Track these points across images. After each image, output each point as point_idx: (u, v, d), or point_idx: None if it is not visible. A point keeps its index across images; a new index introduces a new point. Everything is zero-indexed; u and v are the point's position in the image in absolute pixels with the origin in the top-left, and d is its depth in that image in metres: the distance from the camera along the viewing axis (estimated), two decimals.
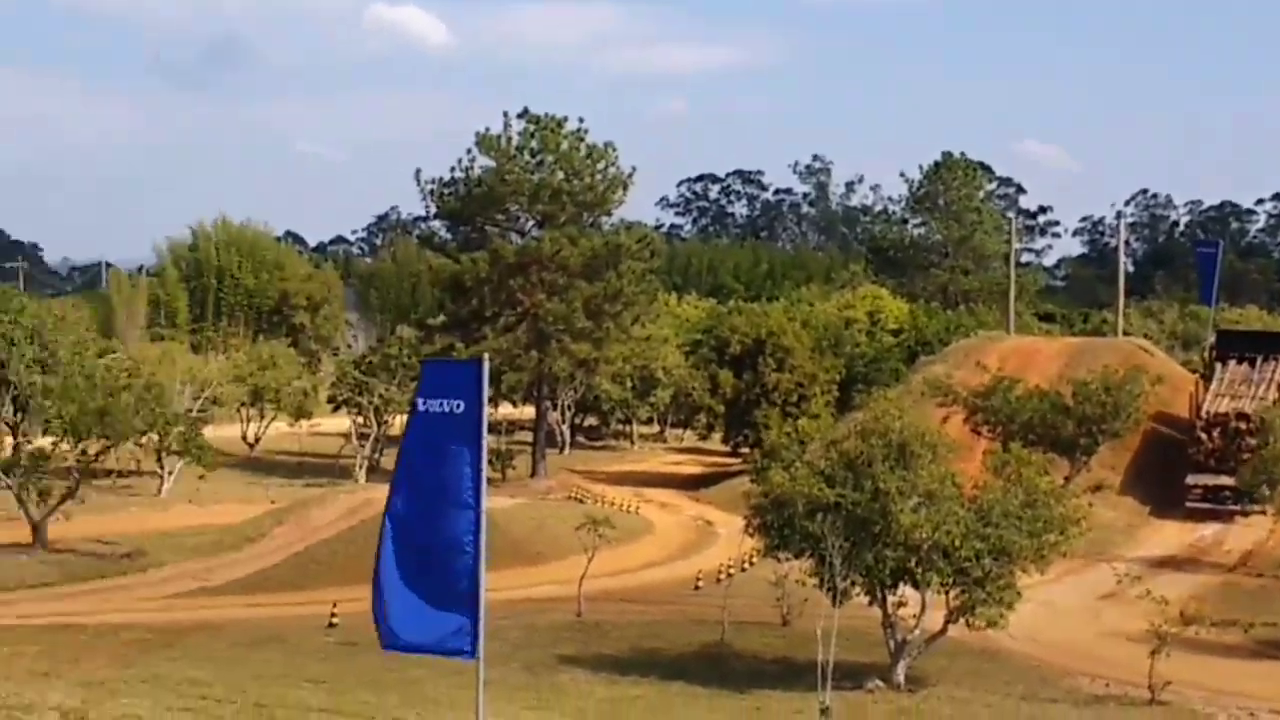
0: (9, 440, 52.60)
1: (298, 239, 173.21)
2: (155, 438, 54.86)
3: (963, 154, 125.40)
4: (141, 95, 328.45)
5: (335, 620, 35.81)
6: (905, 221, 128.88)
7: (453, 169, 70.16)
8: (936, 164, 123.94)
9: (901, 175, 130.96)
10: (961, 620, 29.10)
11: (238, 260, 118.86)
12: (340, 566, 44.69)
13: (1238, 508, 52.62)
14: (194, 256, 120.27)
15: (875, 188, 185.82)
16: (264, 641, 34.19)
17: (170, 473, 61.50)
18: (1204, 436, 55.22)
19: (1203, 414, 56.07)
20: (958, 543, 28.18)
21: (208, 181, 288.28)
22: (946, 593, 29.14)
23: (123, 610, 38.61)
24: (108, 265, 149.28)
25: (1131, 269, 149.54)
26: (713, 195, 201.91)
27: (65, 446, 48.89)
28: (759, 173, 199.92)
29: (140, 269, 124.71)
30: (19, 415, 56.56)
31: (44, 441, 50.28)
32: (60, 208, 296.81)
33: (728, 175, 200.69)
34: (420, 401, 17.41)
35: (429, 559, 16.98)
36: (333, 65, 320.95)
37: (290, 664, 31.15)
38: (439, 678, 26.39)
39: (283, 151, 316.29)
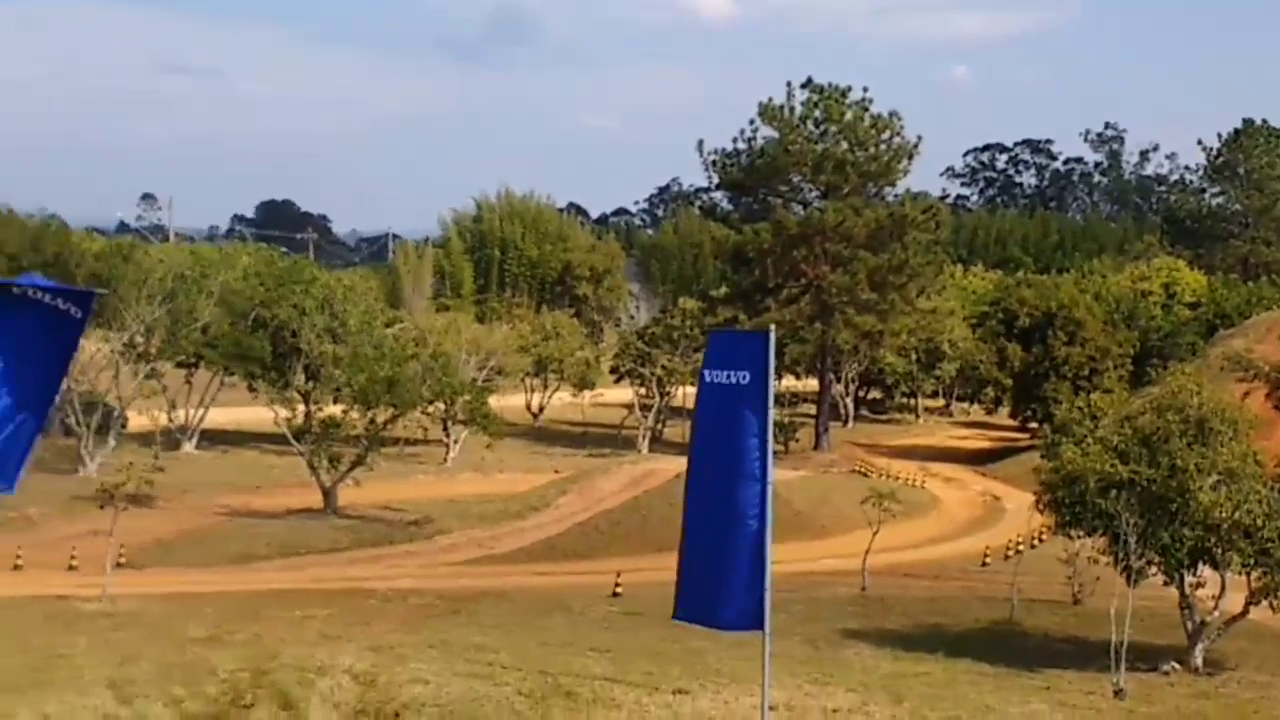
0: (301, 408, 53.85)
1: (580, 211, 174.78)
2: (442, 406, 55.69)
3: (1264, 121, 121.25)
4: (427, 70, 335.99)
5: (619, 590, 35.83)
6: (1203, 191, 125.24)
7: (735, 140, 69.99)
8: (1236, 131, 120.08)
9: (1199, 143, 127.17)
10: (1264, 602, 27.92)
11: (521, 232, 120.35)
12: (624, 536, 44.86)
13: None
14: (478, 228, 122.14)
15: (1171, 156, 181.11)
16: (549, 609, 34.36)
17: (456, 441, 62.40)
18: None
19: None
20: (1260, 523, 27.01)
21: (491, 154, 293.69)
22: (1247, 574, 27.98)
23: (411, 576, 39.16)
24: (394, 237, 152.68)
25: None
26: (1000, 165, 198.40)
27: (355, 414, 49.83)
28: (1048, 141, 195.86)
29: (426, 240, 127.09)
30: (310, 383, 57.89)
31: (334, 409, 51.37)
32: (349, 181, 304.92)
33: (1015, 144, 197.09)
34: (707, 373, 17.10)
35: (717, 531, 16.65)
36: (614, 37, 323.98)
37: (575, 632, 31.21)
38: (721, 649, 26.13)
39: (565, 124, 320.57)
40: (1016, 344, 75.78)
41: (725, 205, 75.20)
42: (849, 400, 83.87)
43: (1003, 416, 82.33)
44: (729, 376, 16.88)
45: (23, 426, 16.24)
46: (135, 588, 35.57)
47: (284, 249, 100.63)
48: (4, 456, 16.25)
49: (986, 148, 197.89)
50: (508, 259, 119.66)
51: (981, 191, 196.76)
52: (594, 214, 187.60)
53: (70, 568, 38.77)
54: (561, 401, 79.03)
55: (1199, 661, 28.17)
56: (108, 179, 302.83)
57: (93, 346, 54.26)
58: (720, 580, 16.76)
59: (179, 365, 61.20)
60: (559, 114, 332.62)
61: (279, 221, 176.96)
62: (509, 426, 60.88)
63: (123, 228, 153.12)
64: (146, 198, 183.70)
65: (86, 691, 23.86)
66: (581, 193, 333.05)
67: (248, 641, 28.82)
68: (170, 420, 61.71)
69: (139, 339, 57.60)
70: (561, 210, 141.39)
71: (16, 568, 37.23)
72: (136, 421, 59.37)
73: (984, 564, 41.40)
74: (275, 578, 38.72)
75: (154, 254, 70.79)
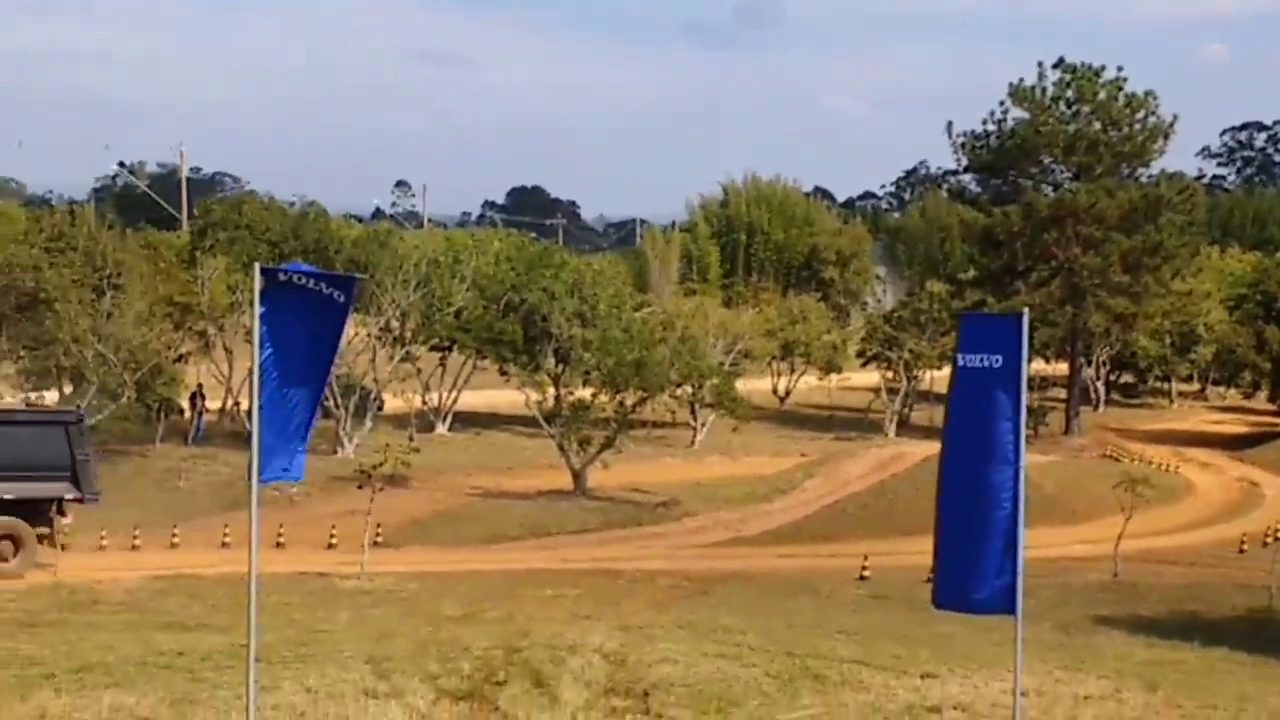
0: (551, 391, 54.57)
1: (826, 194, 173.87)
2: (689, 390, 55.99)
3: None
4: (674, 55, 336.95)
5: (866, 572, 35.74)
6: None
7: (984, 121, 69.14)
8: None
9: None
10: None
11: (767, 216, 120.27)
12: (870, 520, 44.69)
13: None
14: (725, 213, 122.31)
15: None
16: (796, 591, 34.42)
17: (703, 424, 62.69)
18: None
19: None
20: None
21: (737, 138, 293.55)
22: None
23: (659, 557, 39.50)
24: (641, 222, 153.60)
25: None
26: (1258, 144, 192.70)
27: (604, 397, 50.35)
28: None
29: (672, 225, 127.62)
30: (560, 366, 58.61)
31: (584, 392, 51.95)
32: (597, 167, 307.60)
33: (1275, 123, 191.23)
34: (960, 357, 17.00)
35: (970, 515, 16.55)
36: (859, 19, 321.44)
37: (821, 614, 31.22)
38: (970, 634, 25.94)
39: (810, 107, 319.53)
40: (1276, 327, 73.68)
41: (974, 188, 74.37)
42: (1100, 384, 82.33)
43: (1261, 401, 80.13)
44: (982, 360, 16.76)
45: (297, 410, 16.78)
46: (392, 566, 36.48)
47: (534, 234, 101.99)
48: (283, 440, 16.80)
49: (1244, 126, 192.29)
50: (754, 243, 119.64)
51: (1239, 171, 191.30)
52: (840, 197, 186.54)
53: (330, 545, 39.87)
54: (808, 385, 78.89)
55: None
56: (363, 167, 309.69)
57: (350, 331, 55.63)
58: (973, 564, 16.66)
59: (433, 349, 62.42)
60: (805, 98, 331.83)
61: (529, 207, 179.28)
62: (755, 410, 60.99)
63: (378, 214, 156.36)
64: (401, 185, 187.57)
65: (346, 666, 24.54)
66: (828, 176, 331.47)
67: (500, 620, 29.37)
68: (424, 403, 62.99)
69: (394, 323, 58.89)
70: (808, 194, 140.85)
71: (279, 545, 38.41)
72: (392, 404, 60.72)
73: (1241, 550, 40.41)
74: (526, 557, 39.37)
75: (409, 240, 72.28)
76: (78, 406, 40.71)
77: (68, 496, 35.39)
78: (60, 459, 35.34)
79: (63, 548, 35.19)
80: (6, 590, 31.13)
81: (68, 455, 35.52)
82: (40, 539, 34.50)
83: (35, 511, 34.12)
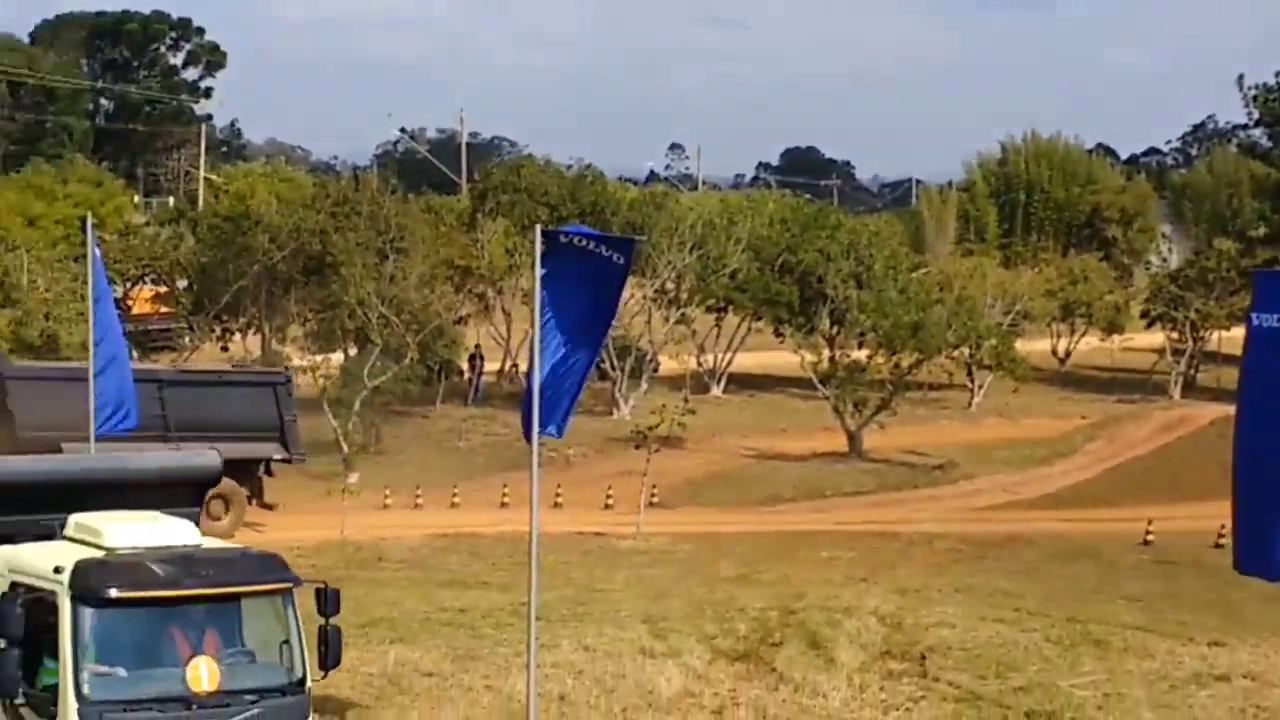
0: (826, 352, 54.31)
1: (1109, 151, 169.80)
2: (966, 351, 55.27)
3: None
4: (950, 10, 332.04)
5: (1150, 537, 34.93)
6: None
7: (1277, 74, 66.79)
8: None
9: None
10: None
11: (1047, 174, 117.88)
12: (1154, 483, 43.65)
13: None
14: (1003, 171, 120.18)
15: None
16: (1076, 556, 33.80)
17: (980, 386, 61.85)
18: None
19: None
20: None
21: (1016, 94, 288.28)
22: None
23: (935, 520, 39.11)
24: (917, 181, 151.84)
25: None
26: None
27: (880, 359, 49.98)
28: None
29: (949, 184, 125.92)
30: (835, 328, 58.26)
31: (859, 354, 51.61)
32: (871, 127, 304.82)
33: None
34: (1255, 317, 16.37)
35: (1269, 480, 15.96)
36: None
37: (1103, 580, 30.64)
38: (1260, 601, 25.14)
39: (1092, 61, 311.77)
40: None
41: (1265, 142, 71.97)
42: None
43: None
44: (1277, 320, 16.15)
45: (573, 369, 16.98)
46: (667, 526, 36.74)
47: (808, 195, 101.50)
48: (556, 399, 17.01)
49: None
50: (1033, 202, 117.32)
51: None
52: (1123, 154, 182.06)
53: (606, 506, 40.30)
54: (1089, 346, 77.26)
55: None
56: (638, 130, 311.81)
57: (626, 292, 55.98)
58: (1273, 529, 16.09)
59: (708, 310, 62.57)
60: (1086, 51, 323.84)
61: (803, 168, 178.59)
62: (1034, 371, 59.95)
63: (652, 177, 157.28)
64: (674, 148, 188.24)
65: (624, 625, 24.81)
66: (1110, 132, 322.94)
67: (776, 581, 29.42)
68: (699, 364, 63.19)
69: (670, 285, 59.14)
70: (1089, 151, 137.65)
71: (556, 505, 38.93)
72: (667, 365, 61.04)
73: None
74: (801, 519, 39.32)
75: (684, 202, 72.47)
76: (287, 368, 41.49)
77: (275, 456, 36.13)
78: (269, 420, 36.08)
79: (271, 507, 35.90)
80: (295, 546, 32.05)
81: (276, 416, 36.27)
82: (249, 499, 35.22)
83: (245, 471, 34.70)
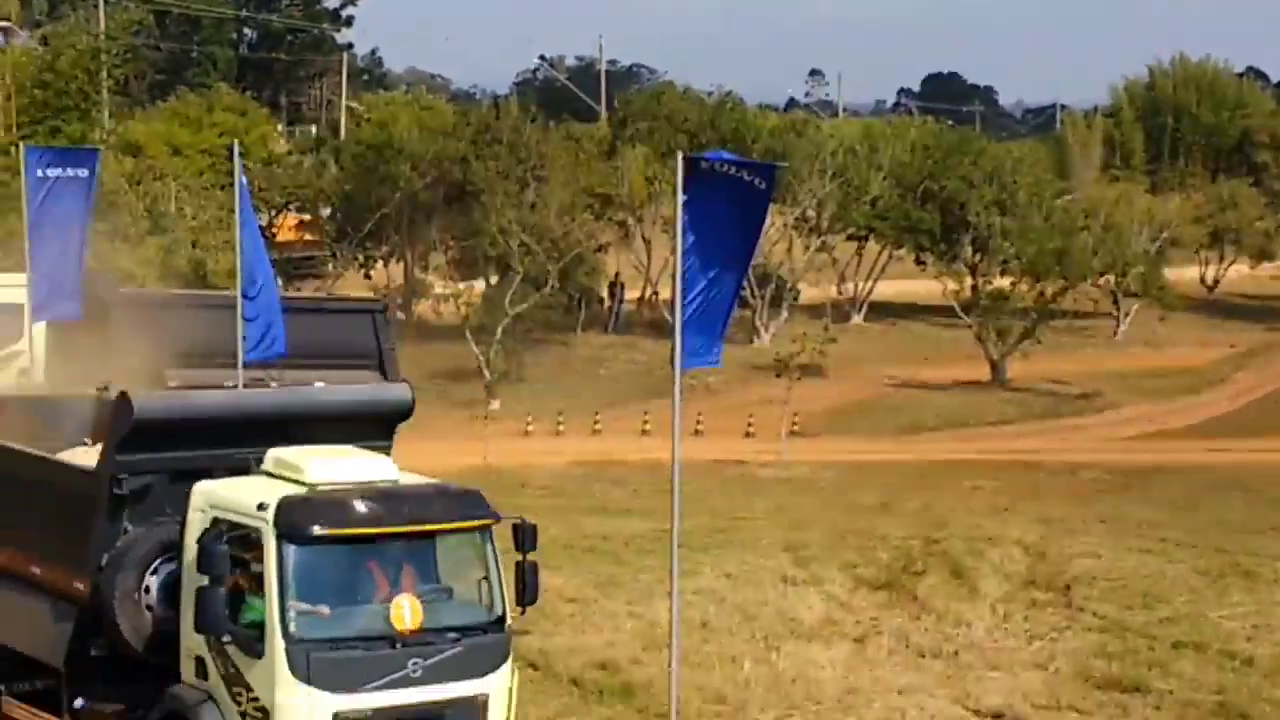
0: (969, 280, 53.80)
1: (1260, 75, 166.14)
2: (1112, 279, 54.53)
3: None
4: None
5: None
6: None
7: None
8: None
9: None
10: None
11: (1196, 98, 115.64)
12: None
13: None
14: (1150, 96, 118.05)
15: None
16: (1224, 487, 33.32)
17: (1126, 314, 61.03)
18: None
19: None
20: None
21: (1165, 17, 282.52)
22: None
23: (1079, 450, 38.74)
24: (1061, 107, 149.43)
25: None
26: None
27: (1023, 287, 49.47)
28: None
29: (1094, 110, 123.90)
30: (978, 256, 57.70)
31: (1003, 282, 51.08)
32: (1015, 52, 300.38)
33: None
34: None
35: None
36: None
37: (1251, 511, 30.20)
38: None
39: None
40: None
41: None
42: None
43: None
44: None
45: (718, 297, 16.91)
46: (808, 455, 36.71)
47: (950, 122, 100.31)
48: (705, 327, 16.98)
49: None
50: (1181, 127, 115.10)
51: None
52: (1275, 78, 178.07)
53: (747, 434, 40.30)
54: (1238, 274, 75.93)
55: None
56: (777, 56, 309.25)
57: (766, 220, 55.74)
58: None
59: (849, 238, 62.19)
60: None
61: (944, 94, 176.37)
62: (1182, 299, 59.07)
63: (792, 104, 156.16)
64: (814, 74, 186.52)
65: (765, 553, 24.84)
66: (1261, 56, 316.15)
67: (918, 510, 29.32)
68: (840, 292, 62.89)
69: (811, 213, 58.80)
70: (1239, 75, 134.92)
71: (697, 433, 38.95)
72: (808, 294, 60.81)
73: None
74: (943, 448, 39.11)
75: (825, 129, 71.91)
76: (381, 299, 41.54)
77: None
78: (367, 348, 35.98)
79: None
80: (439, 471, 32.40)
81: (374, 344, 36.16)
82: None
83: None
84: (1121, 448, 39.62)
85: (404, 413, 16.07)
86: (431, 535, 14.09)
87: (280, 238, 57.52)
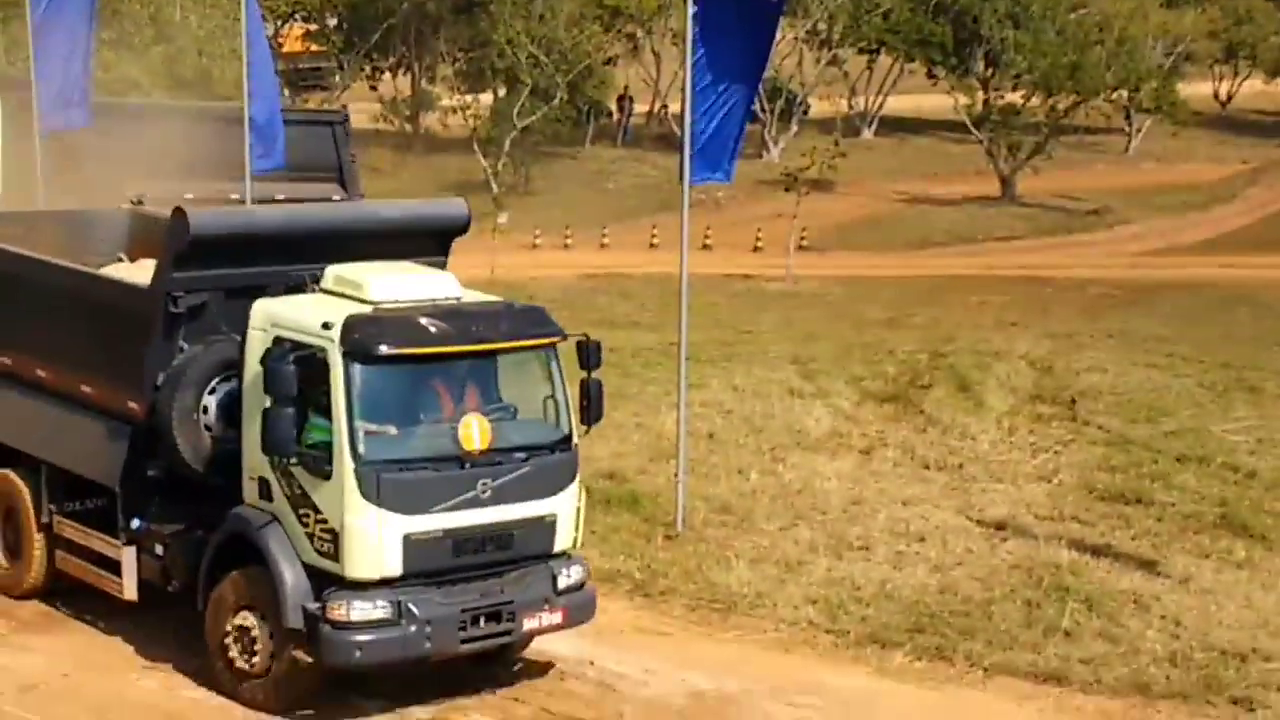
0: (980, 95, 53.36)
1: None
2: (1125, 93, 54.07)
3: None
4: None
5: None
6: None
7: None
8: None
9: None
10: None
11: None
12: None
13: None
14: None
15: None
16: (1232, 302, 33.35)
17: (1139, 130, 60.61)
18: None
19: None
20: None
21: None
22: None
23: (1088, 265, 38.71)
24: None
25: None
26: None
27: (1035, 101, 49.10)
28: None
29: None
30: (990, 70, 57.16)
31: (1014, 96, 50.68)
32: None
33: None
34: None
35: None
36: None
37: (1258, 326, 30.25)
38: None
39: None
40: None
41: None
42: None
43: None
44: None
45: (732, 112, 16.80)
46: (816, 269, 36.72)
47: None
48: (717, 141, 16.89)
49: None
50: None
51: None
52: None
53: (755, 248, 40.30)
54: (1252, 89, 75.20)
55: None
56: None
57: (777, 33, 55.15)
58: None
59: (860, 52, 61.55)
60: None
61: None
62: (1194, 115, 58.59)
63: None
64: None
65: (772, 366, 24.96)
66: None
67: (925, 325, 29.40)
68: (851, 107, 62.43)
69: (822, 25, 58.17)
70: None
71: (705, 247, 38.98)
72: (818, 108, 60.38)
73: None
74: (952, 263, 39.10)
75: None
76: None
77: (334, 198, 35.65)
78: (328, 160, 35.45)
79: None
80: None
81: (335, 156, 35.65)
82: None
83: None
84: (1130, 263, 39.58)
85: (461, 228, 15.69)
86: (498, 354, 13.81)
87: (286, 48, 56.98)
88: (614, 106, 59.52)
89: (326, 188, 35.42)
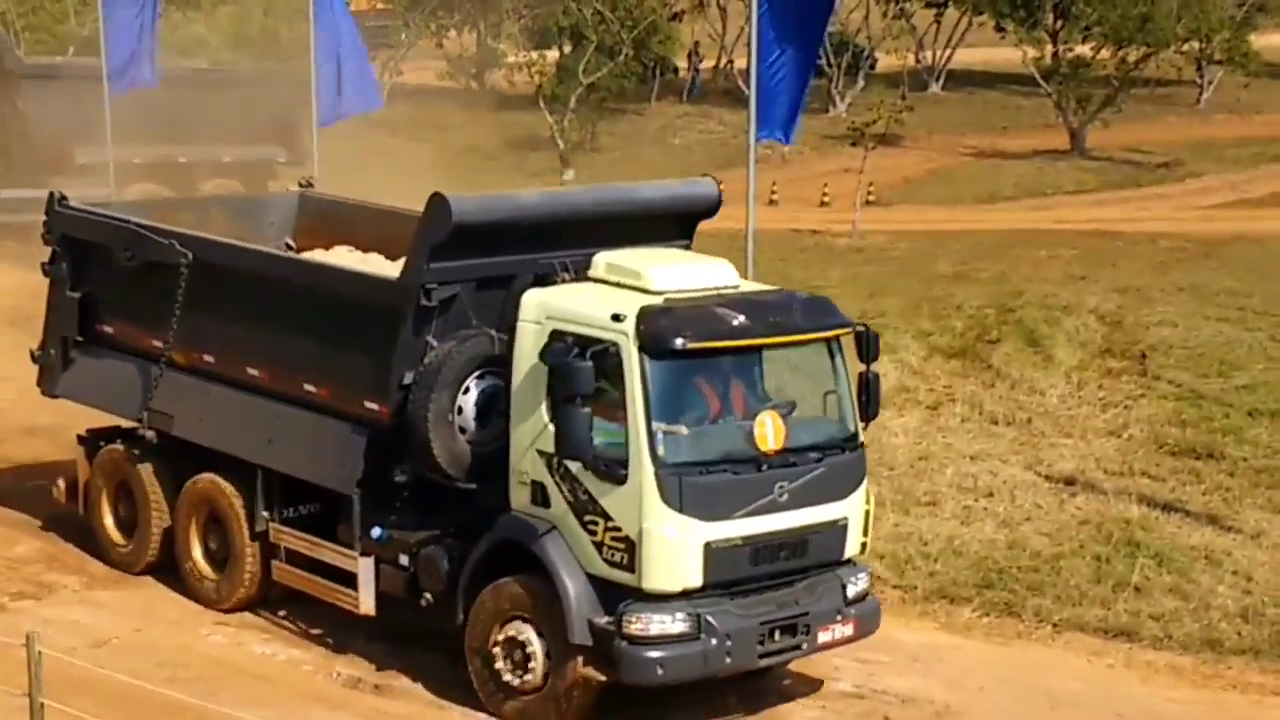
0: (1049, 48, 52.84)
1: None
2: (1196, 45, 53.45)
3: None
4: None
5: None
6: None
7: None
8: None
9: None
10: None
11: None
12: None
13: None
14: None
15: None
16: None
17: (1210, 82, 59.89)
18: None
19: None
20: None
21: None
22: None
23: (1159, 219, 38.29)
24: None
25: None
26: None
27: (1105, 54, 48.59)
28: None
29: None
30: (1059, 22, 56.54)
31: (1084, 49, 50.17)
32: None
33: None
34: None
35: None
36: None
37: None
38: None
39: None
40: None
41: None
42: None
43: None
44: None
45: (794, 71, 16.66)
46: (883, 224, 36.51)
47: None
48: (778, 97, 16.74)
49: None
50: None
51: None
52: None
53: (822, 203, 40.11)
54: None
55: None
56: None
57: None
58: None
59: (927, 5, 61.11)
60: None
61: None
62: (1267, 67, 57.83)
63: None
64: None
65: None
66: None
67: (994, 279, 29.20)
68: (918, 61, 62.01)
69: None
70: None
71: (772, 203, 38.84)
72: (885, 62, 60.00)
73: None
74: (1020, 217, 38.78)
75: None
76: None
77: (279, 160, 35.27)
78: (275, 120, 34.83)
79: None
80: None
81: (282, 115, 35.14)
82: None
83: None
84: (1202, 216, 39.12)
85: (710, 209, 14.88)
86: (793, 345, 12.97)
87: (353, 7, 56.94)
88: (682, 62, 59.36)
89: (271, 149, 35.33)
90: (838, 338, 13.06)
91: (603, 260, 13.17)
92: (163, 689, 12.66)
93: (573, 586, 12.38)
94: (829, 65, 53.96)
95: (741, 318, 12.48)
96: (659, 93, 56.58)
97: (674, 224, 14.68)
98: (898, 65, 59.53)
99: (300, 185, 18.60)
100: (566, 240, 13.53)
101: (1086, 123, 48.04)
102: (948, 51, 62.48)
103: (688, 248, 14.60)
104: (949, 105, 58.59)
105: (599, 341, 12.23)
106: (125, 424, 16.41)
